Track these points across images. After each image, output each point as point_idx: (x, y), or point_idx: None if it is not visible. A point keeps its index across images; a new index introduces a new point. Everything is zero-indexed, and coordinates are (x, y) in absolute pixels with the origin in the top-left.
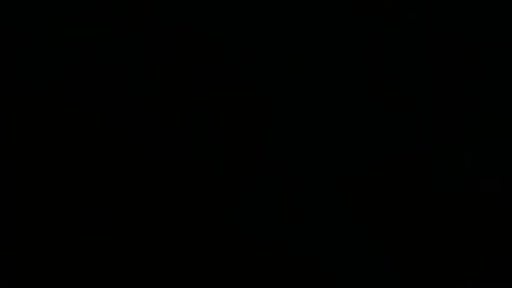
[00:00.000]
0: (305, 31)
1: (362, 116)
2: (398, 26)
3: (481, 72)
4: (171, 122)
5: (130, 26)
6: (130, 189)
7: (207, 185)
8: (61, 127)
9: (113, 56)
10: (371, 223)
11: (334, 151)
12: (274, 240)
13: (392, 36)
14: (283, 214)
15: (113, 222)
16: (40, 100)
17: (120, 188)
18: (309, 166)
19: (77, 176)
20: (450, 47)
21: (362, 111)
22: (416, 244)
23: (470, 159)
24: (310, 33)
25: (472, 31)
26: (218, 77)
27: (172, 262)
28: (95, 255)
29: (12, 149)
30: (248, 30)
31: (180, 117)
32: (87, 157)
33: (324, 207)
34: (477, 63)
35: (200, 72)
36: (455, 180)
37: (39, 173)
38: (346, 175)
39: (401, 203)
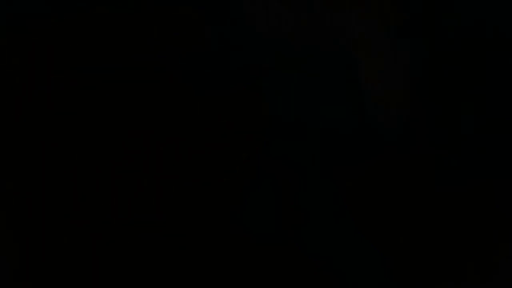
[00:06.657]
0: (304, 30)
1: (362, 116)
2: (398, 26)
3: (481, 72)
4: (170, 122)
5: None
6: (130, 188)
7: (207, 185)
8: (61, 127)
9: None
10: (371, 223)
11: (334, 151)
12: (274, 240)
13: (392, 35)
14: (283, 214)
15: (113, 222)
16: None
17: (120, 187)
18: (309, 166)
19: (77, 176)
20: (450, 47)
21: (362, 110)
22: (416, 244)
23: (470, 159)
24: (310, 32)
25: (472, 31)
26: (218, 77)
27: (172, 262)
28: (95, 255)
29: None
30: (247, 30)
31: (180, 116)
32: (87, 157)
33: (324, 207)
34: (477, 63)
35: (199, 71)
36: (455, 180)
37: (39, 173)
38: (346, 175)
39: (401, 203)
